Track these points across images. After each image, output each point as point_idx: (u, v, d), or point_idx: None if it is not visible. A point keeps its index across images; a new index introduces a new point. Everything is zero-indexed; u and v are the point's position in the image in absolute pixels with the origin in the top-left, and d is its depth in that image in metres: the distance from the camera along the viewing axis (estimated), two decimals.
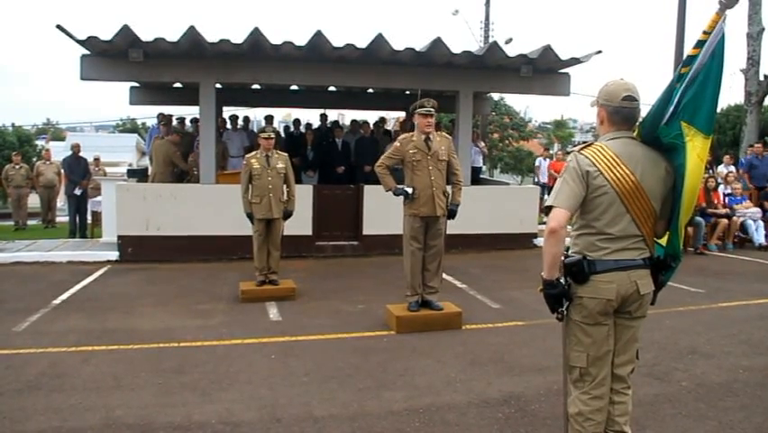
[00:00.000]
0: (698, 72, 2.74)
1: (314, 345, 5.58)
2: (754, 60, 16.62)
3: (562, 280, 2.85)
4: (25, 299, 7.07)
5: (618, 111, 2.85)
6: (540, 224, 10.90)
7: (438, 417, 4.02)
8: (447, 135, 6.29)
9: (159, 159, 10.63)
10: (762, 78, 16.84)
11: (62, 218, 14.40)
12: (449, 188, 6.12)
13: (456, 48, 9.45)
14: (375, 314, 6.45)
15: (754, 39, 16.49)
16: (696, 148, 2.75)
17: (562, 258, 2.84)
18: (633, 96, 2.83)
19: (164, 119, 11.62)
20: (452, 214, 6.10)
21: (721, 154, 15.61)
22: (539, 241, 10.52)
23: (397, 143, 6.10)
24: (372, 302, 6.90)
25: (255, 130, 11.71)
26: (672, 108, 2.79)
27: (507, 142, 33.70)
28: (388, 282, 7.78)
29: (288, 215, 7.29)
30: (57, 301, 6.99)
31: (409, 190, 5.91)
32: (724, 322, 6.32)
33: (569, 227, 2.85)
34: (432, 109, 5.89)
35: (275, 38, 8.80)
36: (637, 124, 2.93)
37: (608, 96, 2.87)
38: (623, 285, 2.80)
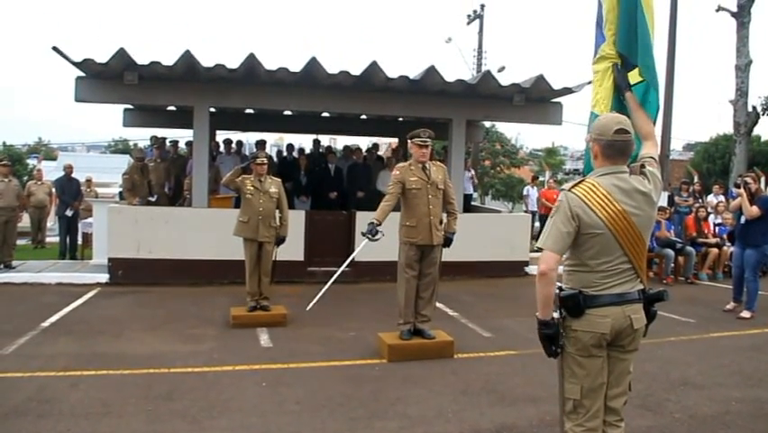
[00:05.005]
0: None
1: (305, 372, 5.53)
2: (742, 92, 16.90)
3: (556, 315, 2.86)
4: (13, 320, 6.99)
5: (611, 144, 2.84)
6: (532, 252, 10.92)
7: None
8: (442, 165, 6.30)
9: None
10: (750, 109, 17.12)
11: (52, 239, 14.29)
12: (444, 217, 6.12)
13: (449, 76, 9.56)
14: (367, 341, 6.41)
15: (742, 71, 16.79)
16: None
17: (558, 292, 2.85)
18: (625, 128, 2.84)
19: (157, 142, 11.63)
20: (447, 242, 6.10)
21: (711, 184, 15.77)
22: (531, 269, 10.53)
23: (396, 172, 6.03)
24: (364, 329, 6.86)
25: (248, 154, 11.75)
26: None
27: (498, 169, 33.84)
28: (380, 309, 7.75)
29: (280, 240, 7.25)
30: (45, 324, 6.91)
31: (380, 236, 5.63)
32: (715, 352, 6.34)
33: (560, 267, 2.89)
34: (428, 140, 5.91)
35: (270, 63, 8.88)
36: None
37: (600, 131, 2.87)
38: (617, 320, 2.81)
